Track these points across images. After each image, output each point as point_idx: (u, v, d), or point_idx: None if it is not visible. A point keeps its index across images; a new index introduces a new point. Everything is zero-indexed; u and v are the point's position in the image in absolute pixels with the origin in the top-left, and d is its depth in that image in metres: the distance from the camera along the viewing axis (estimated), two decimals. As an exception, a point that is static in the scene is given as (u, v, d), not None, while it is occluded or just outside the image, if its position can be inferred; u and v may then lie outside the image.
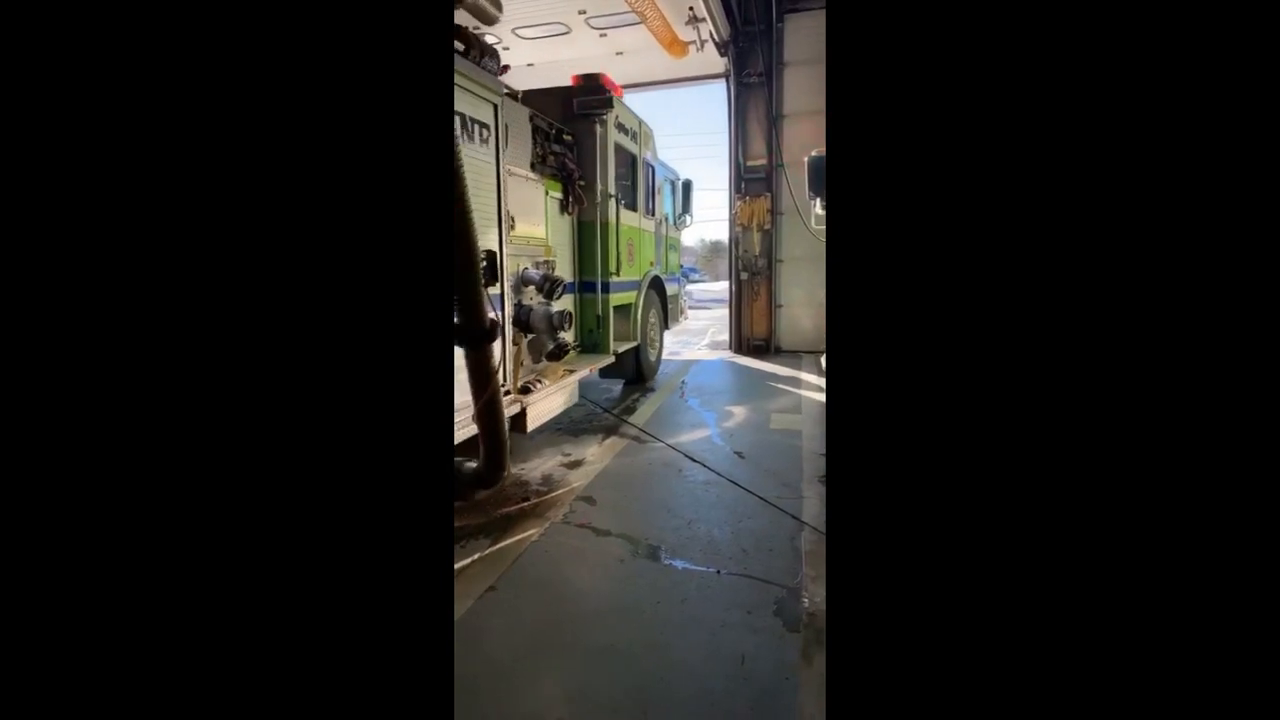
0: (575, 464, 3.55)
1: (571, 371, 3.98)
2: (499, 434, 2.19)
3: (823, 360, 6.39)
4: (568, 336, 3.95)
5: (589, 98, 4.53)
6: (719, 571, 2.29)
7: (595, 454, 3.73)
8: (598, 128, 4.53)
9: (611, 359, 4.80)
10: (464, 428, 2.43)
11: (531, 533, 2.64)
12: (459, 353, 2.08)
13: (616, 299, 4.87)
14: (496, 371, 2.14)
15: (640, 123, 5.36)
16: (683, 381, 5.96)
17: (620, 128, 4.84)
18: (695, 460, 3.53)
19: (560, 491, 3.12)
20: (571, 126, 4.41)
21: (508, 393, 2.81)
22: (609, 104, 4.58)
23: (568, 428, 4.32)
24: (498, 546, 2.52)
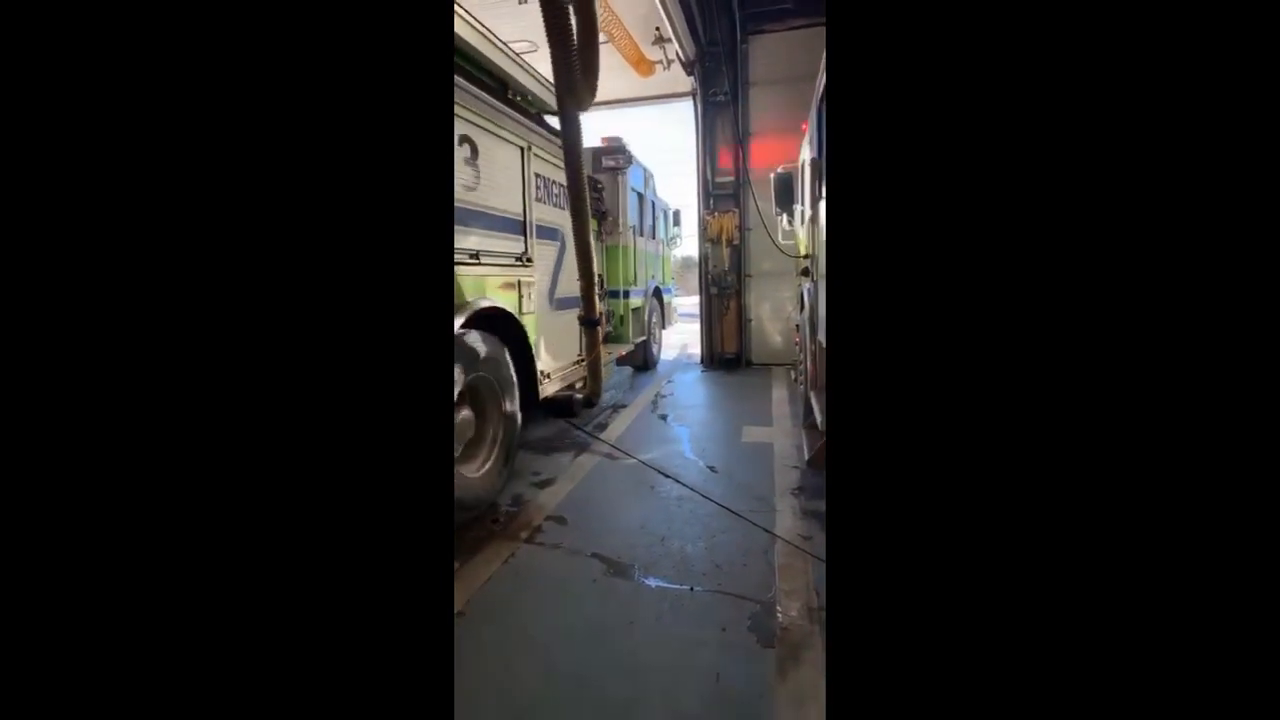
0: (546, 483, 3.49)
1: (610, 353, 5.44)
2: (599, 373, 4.05)
3: (792, 373, 6.46)
4: (608, 328, 5.75)
5: (614, 156, 6.14)
6: (692, 588, 2.26)
7: (567, 473, 3.68)
8: (620, 178, 6.10)
9: (631, 347, 6.49)
10: (554, 384, 4.10)
11: (501, 555, 2.58)
12: (572, 326, 4.24)
13: (633, 303, 6.50)
14: (600, 341, 3.99)
15: (645, 169, 6.89)
16: (656, 396, 5.95)
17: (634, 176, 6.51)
18: (668, 476, 3.51)
19: (531, 512, 3.06)
20: (602, 176, 6.01)
21: (579, 362, 4.54)
22: (630, 161, 6.22)
23: (538, 446, 4.26)
24: (466, 569, 2.45)
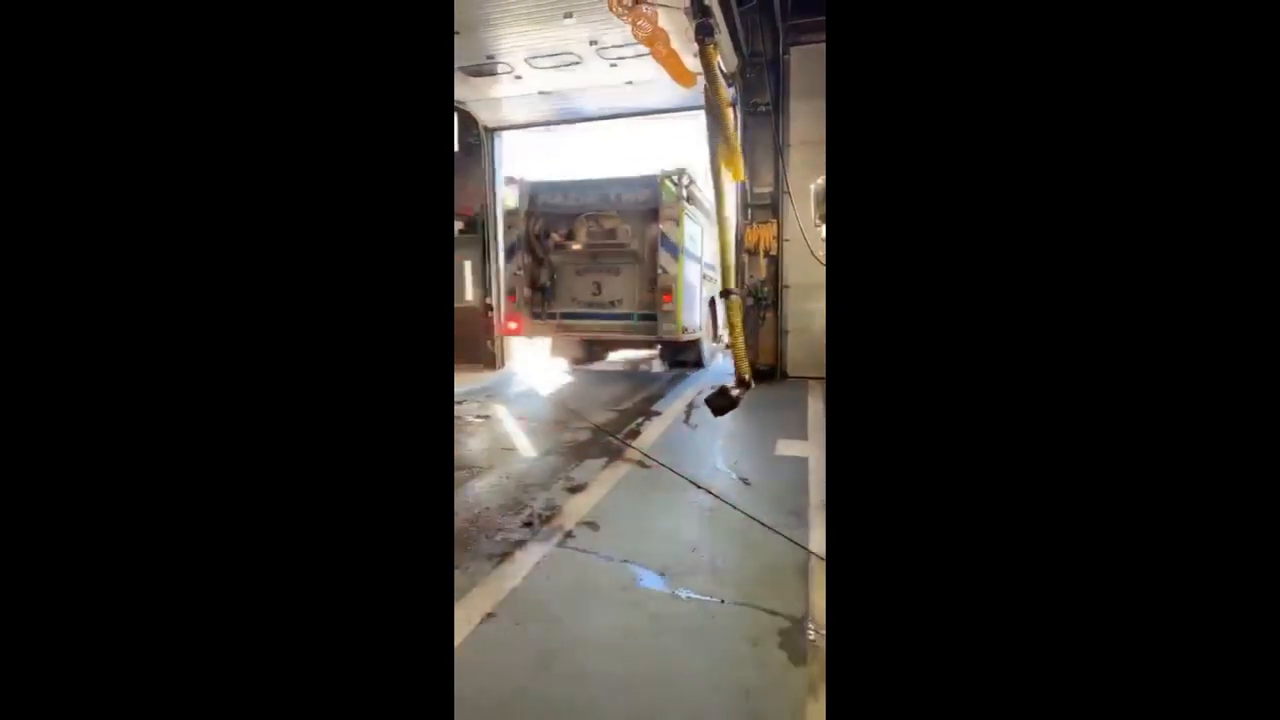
0: (578, 489, 3.52)
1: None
2: (741, 363, 4.39)
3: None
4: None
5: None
6: (723, 601, 2.25)
7: (598, 479, 3.70)
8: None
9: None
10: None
11: (533, 559, 2.61)
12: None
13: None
14: (737, 316, 4.75)
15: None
16: (689, 406, 5.94)
17: None
18: (700, 486, 3.50)
19: (563, 517, 3.09)
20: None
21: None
22: None
23: (571, 452, 4.30)
24: (498, 571, 2.49)
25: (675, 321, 7.11)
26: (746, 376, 4.18)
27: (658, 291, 7.14)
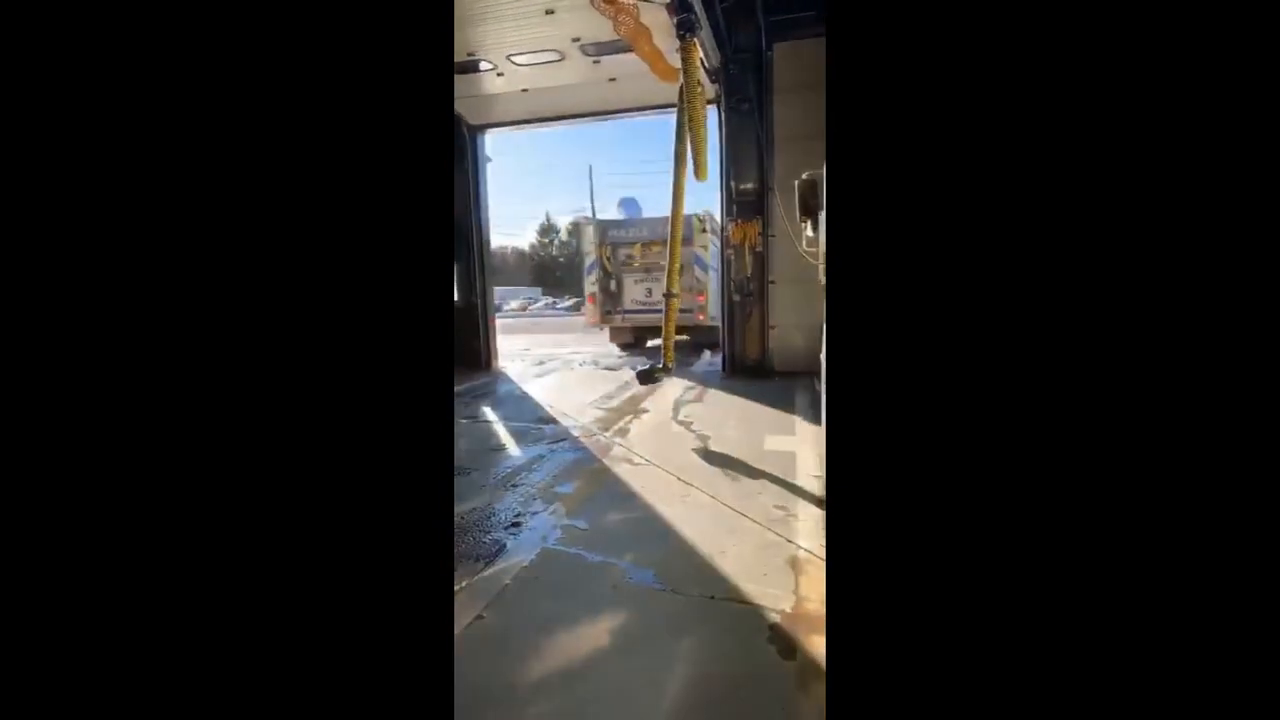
0: (565, 487, 3.50)
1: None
2: (669, 344, 5.78)
3: (816, 383, 6.39)
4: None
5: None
6: (712, 597, 2.25)
7: (587, 477, 3.69)
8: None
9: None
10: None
11: (521, 559, 2.59)
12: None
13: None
14: (673, 314, 5.77)
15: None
16: (676, 402, 5.93)
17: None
18: (688, 483, 3.50)
19: (549, 516, 3.08)
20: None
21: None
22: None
23: (560, 449, 4.28)
24: (486, 573, 2.47)
25: (705, 312, 10.34)
26: (670, 365, 5.71)
27: (693, 292, 10.31)
